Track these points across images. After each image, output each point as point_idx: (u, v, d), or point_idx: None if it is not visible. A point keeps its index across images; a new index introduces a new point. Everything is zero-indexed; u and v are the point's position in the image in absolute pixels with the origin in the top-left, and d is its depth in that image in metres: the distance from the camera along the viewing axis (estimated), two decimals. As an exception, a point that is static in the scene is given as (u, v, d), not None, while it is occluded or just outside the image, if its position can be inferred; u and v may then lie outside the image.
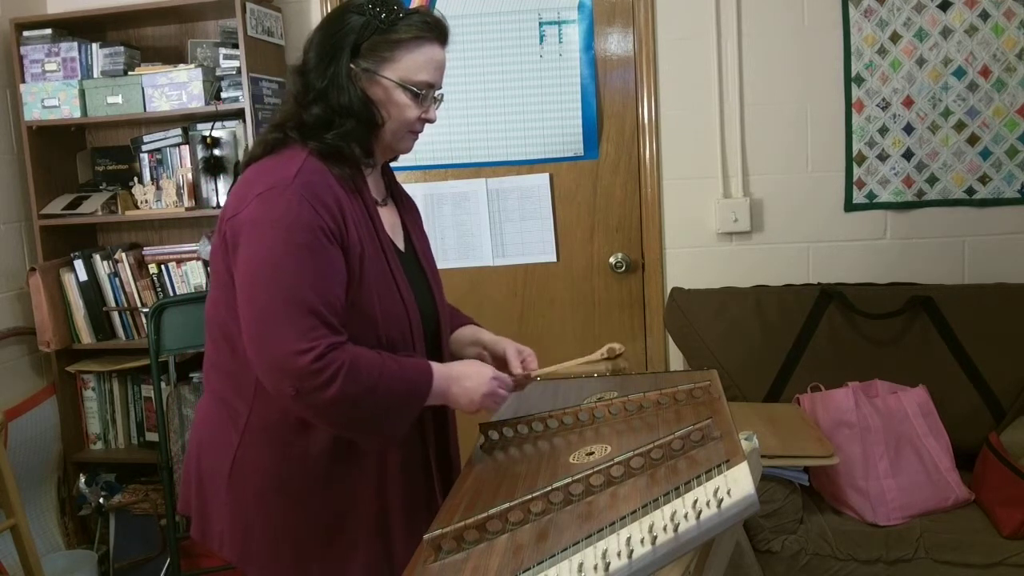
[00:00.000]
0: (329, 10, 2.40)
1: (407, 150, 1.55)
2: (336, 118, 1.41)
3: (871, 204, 2.73)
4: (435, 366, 1.42)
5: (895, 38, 2.65)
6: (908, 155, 2.69)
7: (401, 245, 1.55)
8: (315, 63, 1.43)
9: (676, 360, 2.83)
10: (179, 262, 2.88)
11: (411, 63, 1.42)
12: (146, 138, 2.93)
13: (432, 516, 1.50)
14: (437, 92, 1.48)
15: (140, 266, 2.90)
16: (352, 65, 1.41)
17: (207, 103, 2.72)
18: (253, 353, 1.33)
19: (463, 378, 1.43)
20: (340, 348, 1.31)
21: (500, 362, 1.63)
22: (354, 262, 1.37)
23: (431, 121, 1.49)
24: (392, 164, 1.65)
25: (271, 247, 1.31)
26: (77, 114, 2.79)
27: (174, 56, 2.95)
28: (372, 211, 1.45)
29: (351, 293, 1.37)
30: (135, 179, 2.93)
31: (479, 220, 2.90)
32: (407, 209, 1.63)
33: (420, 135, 1.53)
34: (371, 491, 1.44)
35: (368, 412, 1.34)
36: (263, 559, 1.44)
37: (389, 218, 1.54)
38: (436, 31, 1.44)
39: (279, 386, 1.31)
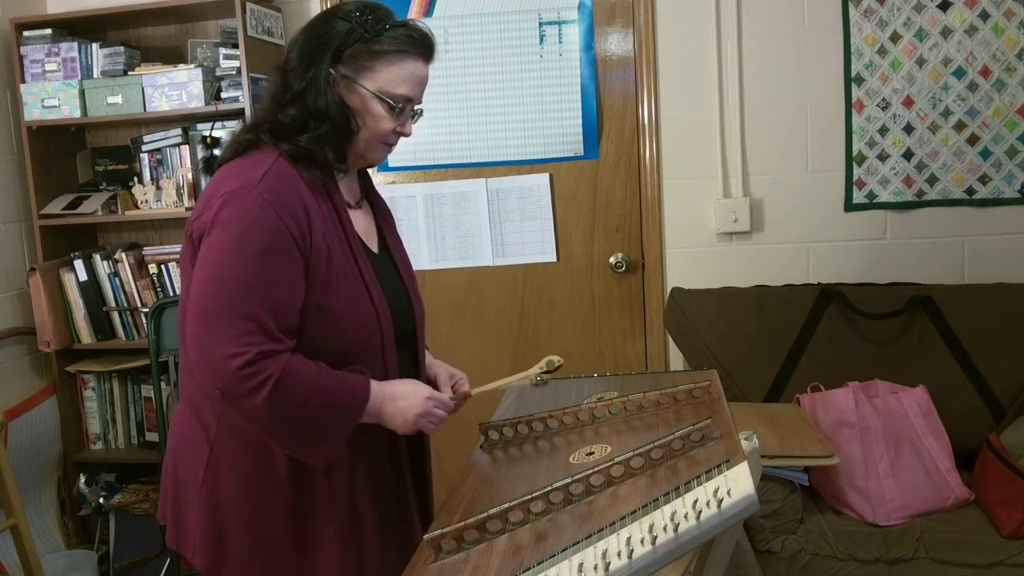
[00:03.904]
0: (329, 10, 2.39)
1: (379, 161, 1.55)
2: (311, 120, 1.41)
3: (871, 204, 2.73)
4: (373, 384, 1.40)
5: (895, 38, 2.65)
6: (908, 155, 2.69)
7: (375, 247, 1.54)
8: (296, 64, 1.42)
9: (676, 360, 2.83)
10: (179, 262, 2.87)
11: (391, 76, 1.42)
12: (146, 138, 2.93)
13: (405, 527, 1.50)
14: (416, 107, 1.48)
15: (140, 266, 2.90)
16: (332, 70, 1.41)
17: (207, 103, 2.73)
18: (191, 351, 1.34)
19: (398, 397, 1.41)
20: (274, 357, 1.30)
21: (431, 385, 1.61)
22: (320, 265, 1.37)
23: (406, 135, 1.49)
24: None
25: (226, 249, 1.32)
26: (77, 114, 2.79)
27: (174, 56, 2.96)
28: (342, 214, 1.45)
29: (317, 296, 1.36)
30: (135, 179, 2.94)
31: (479, 220, 2.90)
32: (381, 211, 1.62)
33: (396, 146, 1.52)
34: (342, 501, 1.44)
35: (296, 424, 1.33)
36: (235, 568, 1.43)
37: (363, 221, 1.54)
38: (421, 46, 1.44)
39: (208, 386, 1.32)
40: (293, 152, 1.40)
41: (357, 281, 1.43)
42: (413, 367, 1.57)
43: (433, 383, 1.62)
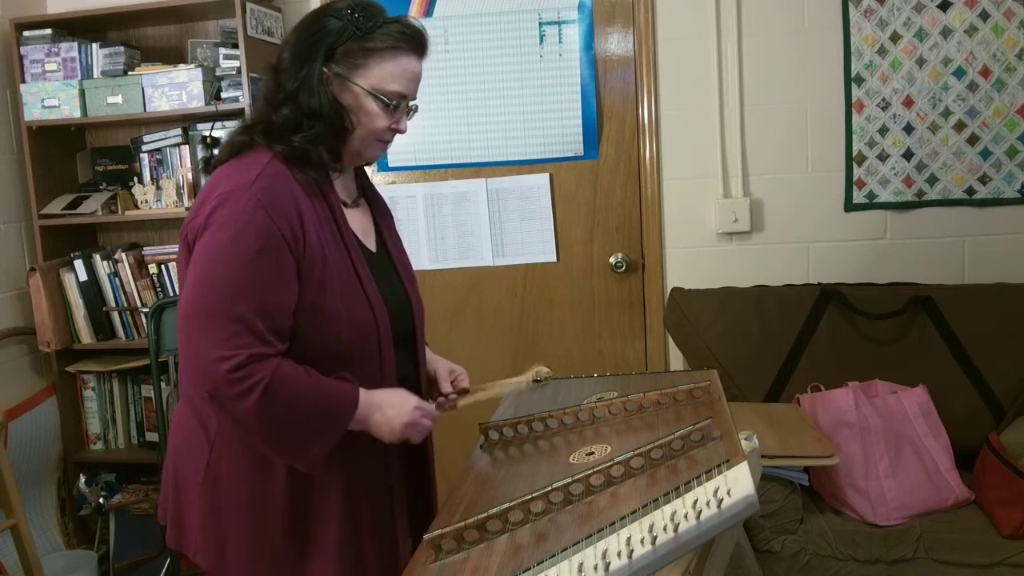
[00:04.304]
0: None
1: (374, 159, 1.54)
2: (305, 120, 1.40)
3: (871, 204, 2.73)
4: (362, 392, 1.39)
5: (895, 38, 2.65)
6: (908, 155, 2.69)
7: (373, 246, 1.54)
8: (288, 63, 1.42)
9: (676, 360, 2.83)
10: (176, 264, 2.88)
11: (384, 73, 1.41)
12: (146, 138, 2.93)
13: (398, 527, 1.49)
14: (411, 103, 1.48)
15: (140, 266, 2.90)
16: (325, 69, 1.40)
17: (207, 103, 2.73)
18: (180, 350, 1.34)
19: (385, 406, 1.41)
20: (264, 361, 1.29)
21: (431, 381, 1.62)
22: (315, 265, 1.37)
23: (401, 132, 1.49)
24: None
25: (218, 251, 1.32)
26: (77, 114, 2.79)
27: (174, 56, 2.96)
28: (337, 213, 1.45)
29: (312, 296, 1.36)
30: (135, 179, 2.94)
31: (479, 220, 2.90)
32: (380, 210, 1.62)
33: (394, 144, 1.52)
34: (340, 500, 1.44)
35: (284, 428, 1.33)
36: (237, 567, 1.43)
37: (360, 220, 1.54)
38: (413, 42, 1.43)
39: (196, 386, 1.32)
40: (287, 153, 1.40)
41: (352, 280, 1.43)
42: (413, 366, 1.57)
43: (433, 378, 1.62)
